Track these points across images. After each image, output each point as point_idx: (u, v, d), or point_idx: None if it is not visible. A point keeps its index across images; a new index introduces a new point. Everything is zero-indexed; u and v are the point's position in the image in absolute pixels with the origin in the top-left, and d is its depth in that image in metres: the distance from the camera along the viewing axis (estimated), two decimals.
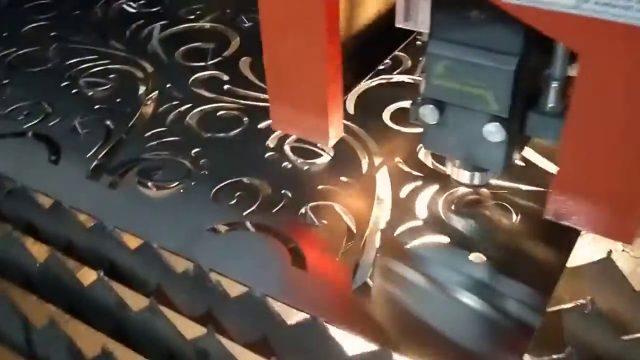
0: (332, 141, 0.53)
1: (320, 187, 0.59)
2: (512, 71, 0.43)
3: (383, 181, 0.59)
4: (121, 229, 0.55)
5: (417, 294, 0.49)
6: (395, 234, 0.53)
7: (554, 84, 0.44)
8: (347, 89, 0.53)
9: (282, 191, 0.58)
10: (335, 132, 0.52)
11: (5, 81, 0.78)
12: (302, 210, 0.56)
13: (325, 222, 0.55)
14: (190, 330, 0.50)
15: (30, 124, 0.70)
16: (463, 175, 0.54)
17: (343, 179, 0.60)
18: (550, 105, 0.45)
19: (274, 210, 0.57)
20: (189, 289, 0.52)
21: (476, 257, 0.50)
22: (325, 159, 0.62)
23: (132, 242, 0.55)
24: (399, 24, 0.49)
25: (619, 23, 0.35)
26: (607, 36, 0.36)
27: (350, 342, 0.46)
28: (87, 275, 0.54)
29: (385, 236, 0.53)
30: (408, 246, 0.52)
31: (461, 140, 0.48)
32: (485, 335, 0.46)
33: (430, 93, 0.47)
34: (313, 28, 0.46)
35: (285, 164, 0.62)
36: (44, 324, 0.51)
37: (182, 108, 0.71)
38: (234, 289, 0.50)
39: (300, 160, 0.62)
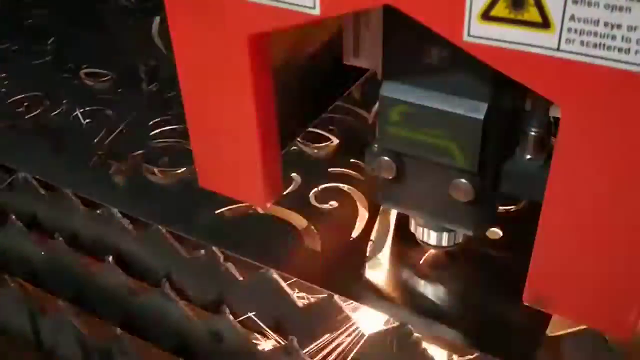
0: (267, 203, 0.45)
1: (330, 169, 0.58)
2: (480, 120, 0.35)
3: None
4: (128, 215, 0.54)
5: (429, 271, 0.48)
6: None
7: (533, 132, 0.37)
8: (290, 137, 0.46)
9: (292, 174, 0.57)
10: (272, 193, 0.44)
11: (3, 74, 0.77)
12: (313, 193, 0.55)
13: (336, 203, 0.54)
14: (202, 315, 0.49)
15: (30, 114, 0.69)
16: (429, 236, 0.45)
17: (353, 160, 0.59)
18: (528, 157, 0.38)
19: (284, 193, 0.55)
20: (200, 275, 0.51)
21: (493, 232, 0.49)
22: (334, 142, 0.62)
23: (140, 229, 0.54)
24: (347, 61, 0.43)
25: (612, 69, 0.28)
26: (597, 85, 0.29)
27: (367, 321, 0.45)
28: (94, 264, 0.53)
29: (399, 214, 0.52)
30: None
31: (424, 197, 0.41)
32: (494, 315, 0.45)
33: (385, 143, 0.40)
34: (238, 75, 0.38)
35: (293, 147, 0.61)
36: (51, 314, 0.50)
37: None
38: (246, 273, 0.49)
39: (309, 144, 0.61)
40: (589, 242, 0.33)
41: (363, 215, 0.53)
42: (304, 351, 0.44)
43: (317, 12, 0.33)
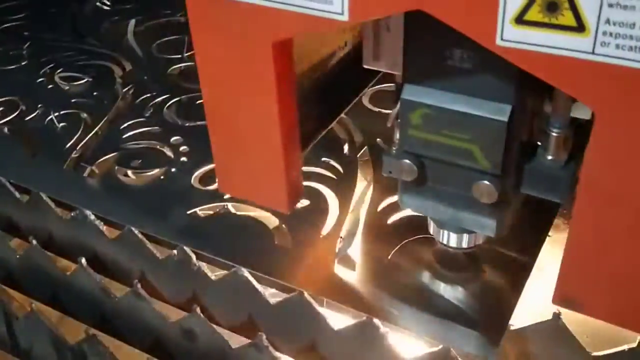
0: (290, 207, 0.45)
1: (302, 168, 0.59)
2: (504, 122, 0.35)
3: (365, 160, 0.59)
4: (102, 217, 0.55)
5: (398, 267, 0.49)
6: (378, 210, 0.53)
7: (555, 132, 0.37)
8: (308, 141, 0.45)
9: None
10: (294, 196, 0.44)
11: None
12: None
13: (308, 202, 0.55)
14: (176, 314, 0.49)
15: (5, 119, 0.69)
16: (449, 238, 0.46)
17: (325, 159, 0.59)
18: (550, 157, 0.37)
19: None
20: (173, 275, 0.51)
21: None
22: None
23: (113, 231, 0.54)
24: (367, 64, 0.42)
25: None
26: (633, 89, 0.28)
27: (337, 316, 0.46)
28: (69, 266, 0.53)
29: (368, 212, 0.53)
30: (390, 221, 0.52)
31: (445, 200, 0.41)
32: (465, 309, 0.46)
33: (406, 146, 0.39)
34: (261, 81, 0.38)
35: None
36: (24, 315, 0.50)
37: (160, 99, 0.70)
38: (218, 272, 0.50)
39: None
40: (621, 243, 0.33)
41: (334, 213, 0.54)
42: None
43: (345, 17, 0.33)
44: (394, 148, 0.41)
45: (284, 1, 0.34)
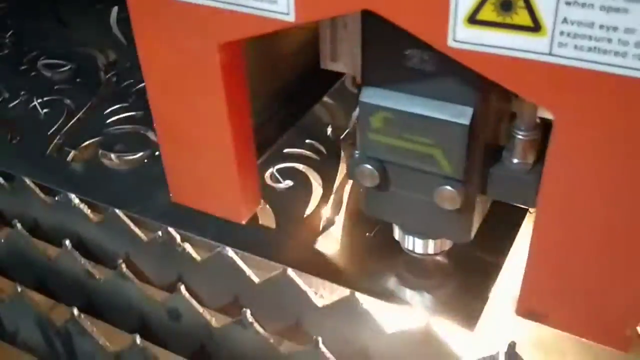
0: (245, 217, 0.43)
1: (285, 150, 0.59)
2: (466, 125, 0.34)
3: (349, 143, 0.59)
4: (86, 200, 0.55)
5: (381, 243, 0.49)
6: (361, 189, 0.53)
7: (520, 135, 0.35)
8: (266, 146, 0.44)
9: None
10: (250, 205, 0.43)
11: None
12: (269, 173, 0.56)
13: (291, 182, 0.55)
14: (161, 295, 0.50)
15: None
16: (414, 244, 0.44)
17: (308, 141, 0.60)
18: (516, 161, 0.36)
19: None
20: (158, 257, 0.51)
21: None
22: None
23: (98, 214, 0.54)
24: (325, 65, 0.41)
25: (608, 74, 0.26)
26: (592, 91, 0.27)
27: (321, 292, 0.46)
28: (53, 250, 0.53)
29: (351, 191, 0.53)
30: None
31: (408, 206, 0.40)
32: (446, 282, 0.46)
33: (366, 150, 0.38)
34: (209, 85, 0.36)
35: None
36: (9, 297, 0.50)
37: (143, 84, 0.70)
38: (203, 253, 0.50)
39: None
40: (584, 254, 0.32)
41: (317, 193, 0.54)
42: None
43: (291, 18, 0.32)
44: (356, 152, 0.39)
45: (228, 0, 0.33)
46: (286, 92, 0.44)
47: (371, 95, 0.36)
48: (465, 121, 0.34)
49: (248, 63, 0.38)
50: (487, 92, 0.33)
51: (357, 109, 0.37)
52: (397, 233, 0.44)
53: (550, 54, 0.27)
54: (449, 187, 0.36)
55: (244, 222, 0.43)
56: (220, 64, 0.35)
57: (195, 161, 0.41)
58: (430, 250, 0.44)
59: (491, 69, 0.29)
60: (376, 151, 0.37)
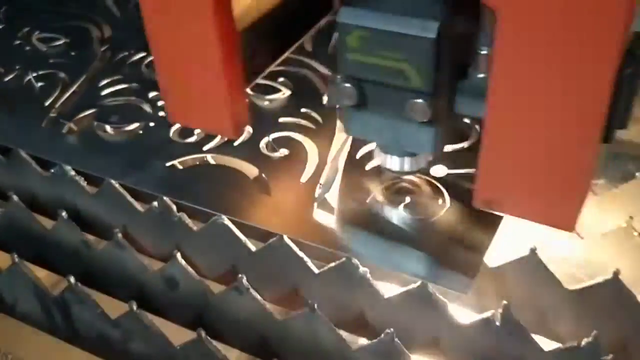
0: (235, 133, 0.45)
1: (281, 119, 0.59)
2: (432, 39, 0.36)
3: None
4: (81, 172, 0.55)
5: (376, 209, 0.49)
6: (357, 157, 0.53)
7: (484, 51, 0.38)
8: (256, 73, 0.46)
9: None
10: (239, 123, 0.45)
11: None
12: (264, 143, 0.56)
13: (287, 151, 0.55)
14: (156, 263, 0.50)
15: None
16: (392, 162, 0.46)
17: (304, 110, 0.59)
18: (480, 76, 0.38)
19: (235, 144, 0.56)
20: (154, 227, 0.51)
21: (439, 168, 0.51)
22: (285, 94, 0.62)
23: (94, 186, 0.54)
24: None
25: None
26: None
27: (317, 258, 0.46)
28: (50, 222, 0.53)
29: (347, 159, 0.53)
30: (368, 167, 0.53)
31: (385, 122, 0.42)
32: (442, 246, 0.46)
33: (345, 70, 0.40)
34: (200, 7, 0.39)
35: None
36: (7, 268, 0.50)
37: (137, 57, 0.70)
38: (199, 223, 0.50)
39: (260, 96, 0.62)
40: (528, 142, 0.35)
41: (313, 161, 0.54)
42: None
43: None
44: (337, 77, 0.41)
45: None
46: (275, 21, 0.46)
47: (348, 16, 0.38)
48: (432, 35, 0.36)
49: None
50: (453, 7, 0.36)
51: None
52: (376, 154, 0.47)
53: None
54: (419, 100, 0.38)
55: (233, 137, 0.47)
56: None
57: (188, 81, 0.44)
58: (407, 168, 0.46)
59: None
60: (354, 70, 0.40)
